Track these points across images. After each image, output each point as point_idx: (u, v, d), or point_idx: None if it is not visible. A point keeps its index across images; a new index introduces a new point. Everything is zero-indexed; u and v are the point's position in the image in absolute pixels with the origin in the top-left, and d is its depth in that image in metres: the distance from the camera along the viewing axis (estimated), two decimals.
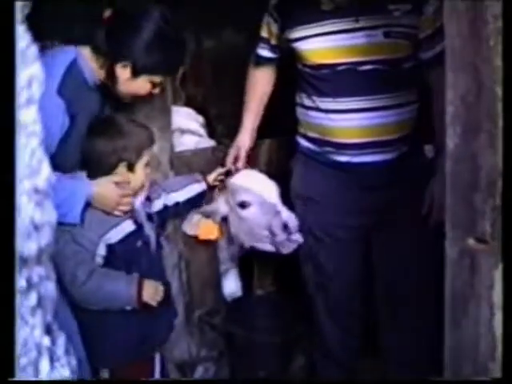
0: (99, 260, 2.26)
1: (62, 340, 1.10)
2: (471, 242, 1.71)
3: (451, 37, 1.80)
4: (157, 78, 2.31)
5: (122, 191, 2.28)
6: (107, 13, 2.23)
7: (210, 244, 2.88)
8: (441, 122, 2.22)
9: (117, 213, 2.28)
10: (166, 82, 2.45)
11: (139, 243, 2.35)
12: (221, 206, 2.78)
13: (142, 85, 2.30)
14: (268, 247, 2.73)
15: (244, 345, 2.95)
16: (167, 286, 2.41)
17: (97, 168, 2.29)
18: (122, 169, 2.28)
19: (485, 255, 1.71)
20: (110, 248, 2.27)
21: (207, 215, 2.74)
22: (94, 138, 2.27)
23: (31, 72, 0.95)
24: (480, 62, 1.70)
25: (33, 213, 0.98)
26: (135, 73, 2.25)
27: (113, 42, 2.22)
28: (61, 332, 1.11)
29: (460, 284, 1.81)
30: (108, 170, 2.28)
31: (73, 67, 2.23)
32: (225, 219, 2.81)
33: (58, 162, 1.74)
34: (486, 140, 1.77)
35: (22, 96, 0.94)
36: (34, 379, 1.05)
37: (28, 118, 0.96)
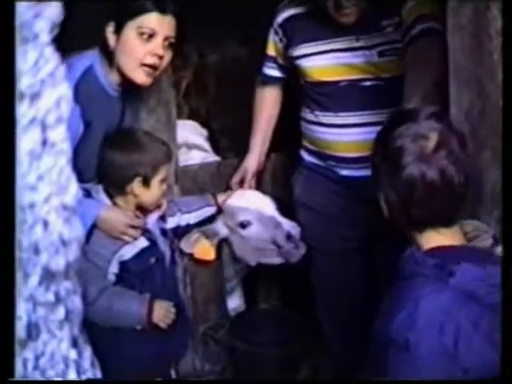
0: (111, 277, 2.25)
1: (88, 353, 1.12)
2: None
3: (454, 51, 1.83)
4: (144, 24, 2.18)
5: (130, 221, 2.27)
6: None
7: (208, 265, 2.88)
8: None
9: (123, 238, 2.27)
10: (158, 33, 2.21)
11: (153, 260, 2.34)
12: (220, 228, 2.79)
13: (130, 39, 2.20)
14: (276, 260, 2.74)
15: (248, 359, 2.95)
16: (180, 305, 2.40)
17: (112, 181, 2.28)
18: (137, 183, 2.27)
19: None
20: (123, 265, 2.26)
21: (206, 235, 2.75)
22: (110, 150, 2.26)
23: (60, 92, 0.98)
24: (484, 77, 1.73)
25: (61, 229, 1.00)
26: (118, 26, 2.21)
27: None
28: (87, 345, 1.13)
29: None
30: (123, 184, 2.27)
31: (87, 73, 2.21)
32: (224, 240, 2.82)
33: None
34: (490, 155, 1.79)
35: (50, 116, 0.96)
36: (33, 379, 1.06)
37: (57, 137, 0.98)
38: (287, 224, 2.68)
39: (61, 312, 1.04)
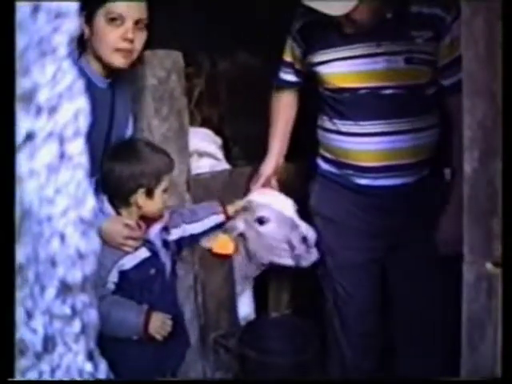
0: (111, 286, 2.26)
1: (103, 366, 1.12)
2: (489, 266, 1.72)
3: (468, 61, 1.82)
4: (111, 10, 2.22)
5: (128, 233, 2.28)
6: None
7: (225, 260, 2.90)
8: (459, 149, 2.25)
9: (122, 248, 2.28)
10: (128, 18, 2.27)
11: (153, 271, 2.34)
12: (238, 223, 2.80)
13: (101, 26, 2.24)
14: (287, 261, 2.75)
15: (259, 367, 2.94)
16: (178, 318, 2.40)
17: (115, 192, 2.29)
18: (140, 195, 2.28)
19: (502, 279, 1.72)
20: (123, 275, 2.27)
21: (224, 230, 2.77)
22: (112, 162, 2.27)
23: (77, 105, 0.98)
24: (497, 86, 1.72)
25: (78, 242, 1.01)
26: (88, 16, 2.23)
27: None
28: (102, 358, 1.13)
29: (477, 308, 1.82)
30: (126, 195, 2.28)
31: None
32: (241, 235, 2.83)
33: None
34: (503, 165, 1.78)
35: (68, 129, 0.97)
36: (33, 379, 1.07)
37: (75, 150, 0.99)
38: (304, 227, 2.70)
39: (77, 325, 1.04)
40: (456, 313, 1.89)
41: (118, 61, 2.28)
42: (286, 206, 2.79)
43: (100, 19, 2.23)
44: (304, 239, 2.67)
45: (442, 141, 2.56)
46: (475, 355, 1.83)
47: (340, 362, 2.88)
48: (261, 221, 2.74)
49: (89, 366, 1.08)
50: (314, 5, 2.29)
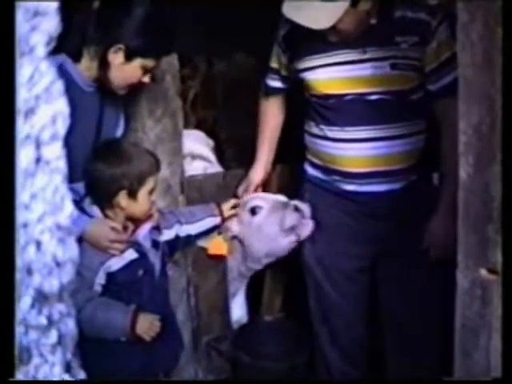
0: (98, 288, 2.24)
1: (81, 377, 1.09)
2: (483, 272, 1.70)
3: (464, 66, 1.80)
4: (148, 63, 2.28)
5: (114, 237, 2.26)
6: (96, 4, 2.22)
7: (219, 261, 2.90)
8: (447, 153, 2.24)
9: (108, 251, 2.26)
10: (156, 70, 2.41)
11: (140, 272, 2.32)
12: (233, 224, 2.80)
13: (133, 70, 2.27)
14: (285, 242, 2.74)
15: (251, 371, 2.93)
16: (169, 319, 2.38)
17: (98, 194, 2.26)
18: (122, 196, 2.25)
19: (497, 286, 1.70)
20: (110, 276, 2.25)
21: (219, 231, 2.76)
22: (95, 162, 2.24)
23: (56, 108, 0.96)
24: (494, 92, 1.70)
25: (55, 250, 0.98)
26: (128, 56, 2.23)
27: (105, 27, 2.21)
28: (80, 370, 1.10)
29: (471, 314, 1.79)
30: (108, 197, 2.25)
31: (59, 72, 2.22)
32: (234, 238, 2.83)
33: None
34: (499, 170, 1.76)
35: (45, 132, 0.94)
36: (34, 379, 1.04)
37: (52, 154, 0.96)
38: (296, 202, 2.73)
39: (53, 336, 1.01)
40: (449, 319, 1.88)
41: None
42: (278, 196, 2.84)
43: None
44: (296, 208, 2.70)
45: (430, 146, 2.54)
46: (468, 362, 1.81)
47: (327, 372, 2.86)
48: (253, 211, 2.75)
49: (66, 378, 1.05)
50: (296, 18, 2.27)
